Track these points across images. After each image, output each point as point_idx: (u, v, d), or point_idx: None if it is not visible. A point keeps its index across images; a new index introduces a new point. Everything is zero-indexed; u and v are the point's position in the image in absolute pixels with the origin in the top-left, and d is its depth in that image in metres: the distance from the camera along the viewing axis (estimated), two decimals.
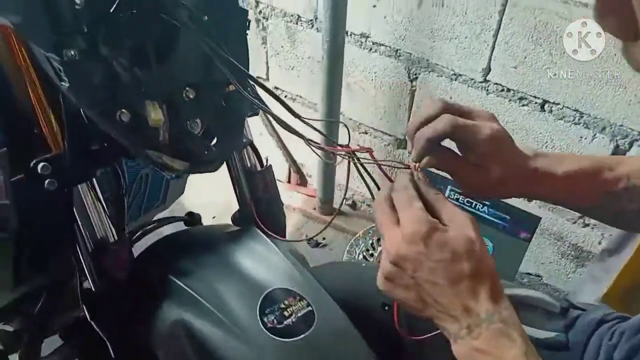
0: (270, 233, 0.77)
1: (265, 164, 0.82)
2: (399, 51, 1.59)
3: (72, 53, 0.57)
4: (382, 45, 1.61)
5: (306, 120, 0.65)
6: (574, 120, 1.35)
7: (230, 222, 0.89)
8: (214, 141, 0.71)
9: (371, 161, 0.64)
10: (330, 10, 1.41)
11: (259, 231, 0.77)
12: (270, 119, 0.66)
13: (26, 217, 0.64)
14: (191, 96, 0.70)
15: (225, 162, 0.79)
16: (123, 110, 0.63)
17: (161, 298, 0.68)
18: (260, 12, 1.86)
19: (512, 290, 0.74)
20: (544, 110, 1.37)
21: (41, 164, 0.61)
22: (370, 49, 1.65)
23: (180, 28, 0.65)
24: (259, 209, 0.81)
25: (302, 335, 0.63)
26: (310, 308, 0.67)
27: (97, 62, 0.60)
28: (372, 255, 1.55)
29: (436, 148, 0.57)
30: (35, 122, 0.63)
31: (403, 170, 0.59)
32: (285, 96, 2.00)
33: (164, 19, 0.64)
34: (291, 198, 2.12)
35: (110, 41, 0.61)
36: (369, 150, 0.65)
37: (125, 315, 0.72)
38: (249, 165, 0.82)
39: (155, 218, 1.15)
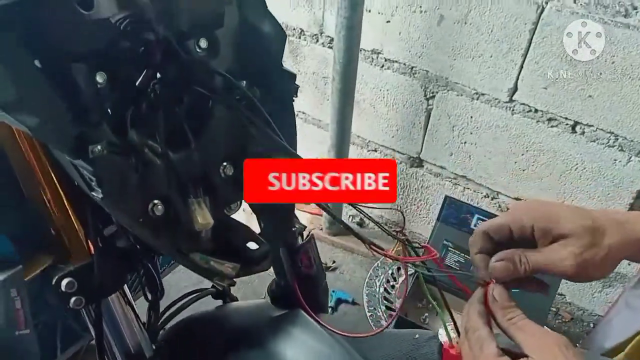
0: (320, 321, 0.67)
1: (305, 235, 0.72)
2: (414, 68, 1.49)
3: (99, 148, 0.46)
4: (396, 62, 1.51)
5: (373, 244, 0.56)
6: (608, 142, 1.27)
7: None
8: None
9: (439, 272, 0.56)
10: (345, 30, 1.30)
11: (309, 319, 0.67)
12: None
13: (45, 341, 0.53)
14: (229, 173, 0.59)
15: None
16: (155, 202, 0.52)
17: None
18: None
19: None
20: (575, 132, 1.30)
21: (65, 280, 0.50)
22: (382, 66, 1.55)
23: (216, 99, 0.55)
24: (302, 288, 0.71)
25: None
26: None
27: (127, 154, 0.49)
28: (393, 287, 1.47)
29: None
30: (53, 228, 0.52)
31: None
32: None
33: (196, 90, 0.54)
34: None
35: (139, 122, 0.51)
36: (434, 256, 0.56)
37: None
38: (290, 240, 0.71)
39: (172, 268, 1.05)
